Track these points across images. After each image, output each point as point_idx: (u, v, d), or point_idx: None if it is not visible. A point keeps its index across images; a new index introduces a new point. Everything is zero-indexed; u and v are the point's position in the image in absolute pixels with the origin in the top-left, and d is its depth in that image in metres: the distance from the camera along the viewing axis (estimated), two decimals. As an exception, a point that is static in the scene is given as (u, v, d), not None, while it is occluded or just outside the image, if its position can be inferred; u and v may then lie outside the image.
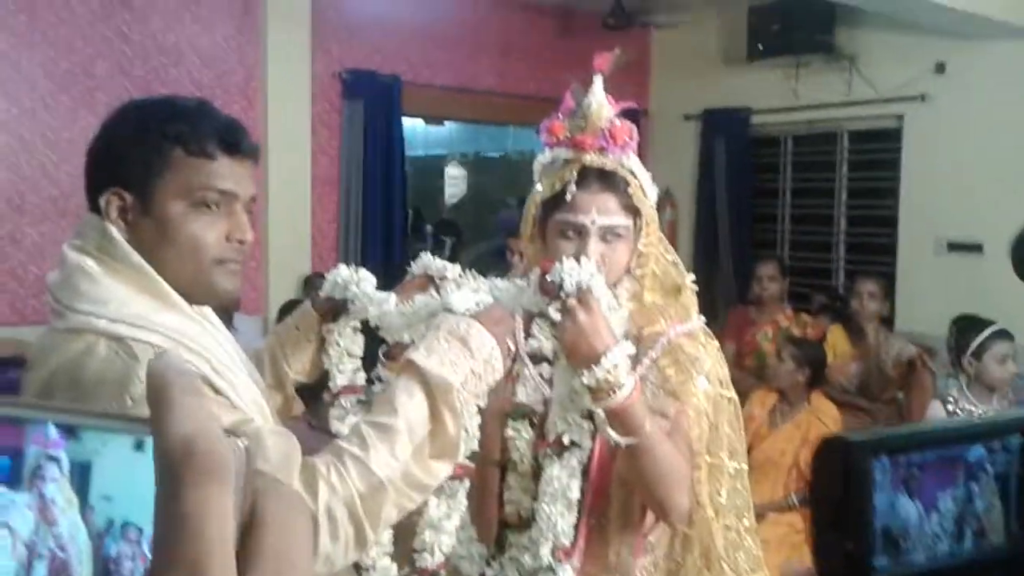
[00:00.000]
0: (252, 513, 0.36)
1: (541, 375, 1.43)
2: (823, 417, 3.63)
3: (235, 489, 0.35)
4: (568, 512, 1.34)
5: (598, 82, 1.44)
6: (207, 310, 1.23)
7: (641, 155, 1.50)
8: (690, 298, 1.52)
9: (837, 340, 4.47)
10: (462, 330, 1.19)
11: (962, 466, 0.83)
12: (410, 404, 1.12)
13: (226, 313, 1.60)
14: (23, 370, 1.18)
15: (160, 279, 1.14)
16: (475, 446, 1.21)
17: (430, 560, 1.31)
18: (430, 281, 1.45)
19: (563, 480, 1.34)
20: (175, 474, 0.33)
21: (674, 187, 6.40)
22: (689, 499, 1.39)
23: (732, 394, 1.50)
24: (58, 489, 0.36)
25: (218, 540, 0.33)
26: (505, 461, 1.46)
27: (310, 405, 1.57)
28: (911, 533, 0.79)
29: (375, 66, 5.45)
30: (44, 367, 1.11)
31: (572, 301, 1.26)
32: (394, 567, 1.35)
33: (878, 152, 5.73)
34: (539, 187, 1.49)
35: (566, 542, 1.34)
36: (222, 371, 1.12)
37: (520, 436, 1.44)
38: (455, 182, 8.87)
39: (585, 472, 1.37)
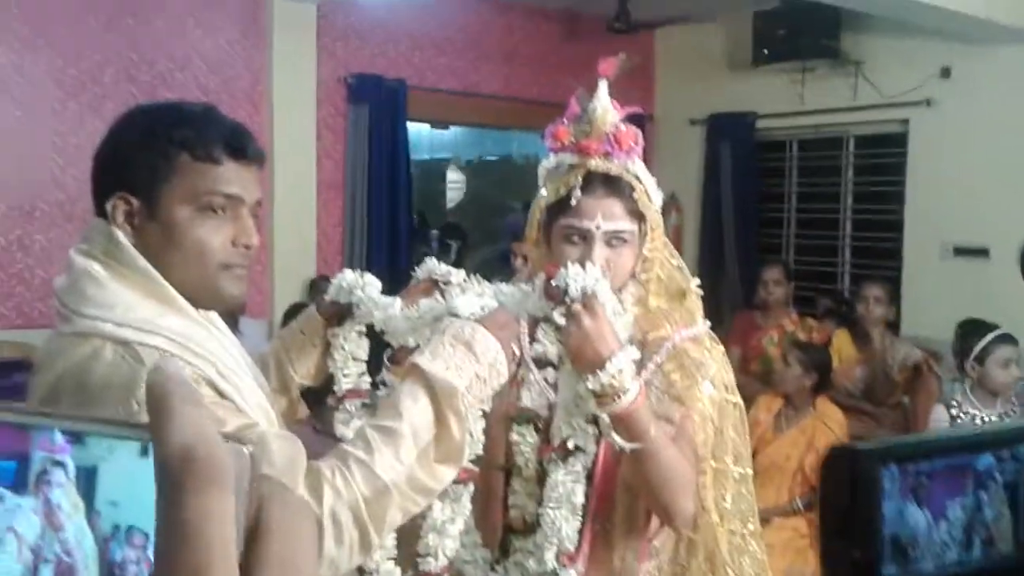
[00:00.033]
0: (257, 519, 0.36)
1: (546, 380, 1.43)
2: (829, 422, 3.62)
3: (240, 494, 0.35)
4: (572, 517, 1.34)
5: (603, 87, 1.44)
6: (212, 314, 1.23)
7: (646, 160, 1.51)
8: (695, 303, 1.52)
9: (843, 344, 4.45)
10: (467, 334, 1.19)
11: (971, 475, 0.83)
12: (415, 408, 1.12)
13: (231, 317, 1.60)
14: (30, 374, 1.19)
15: (166, 283, 1.14)
16: (479, 450, 1.21)
17: (434, 564, 1.31)
18: (435, 285, 1.45)
19: (567, 485, 1.34)
20: (175, 481, 0.33)
21: (679, 192, 6.38)
22: (694, 504, 1.38)
23: (737, 399, 1.50)
24: (64, 494, 0.36)
25: (219, 546, 0.33)
26: (509, 465, 1.46)
27: (315, 409, 1.57)
28: (920, 541, 0.79)
29: (380, 71, 5.45)
30: (51, 371, 1.11)
31: (577, 306, 1.26)
32: (398, 571, 1.34)
33: (884, 157, 5.72)
34: (544, 192, 1.49)
35: (570, 547, 1.34)
36: (227, 375, 1.13)
37: (525, 440, 1.44)
38: (455, 186, 8.88)
39: (590, 477, 1.37)
